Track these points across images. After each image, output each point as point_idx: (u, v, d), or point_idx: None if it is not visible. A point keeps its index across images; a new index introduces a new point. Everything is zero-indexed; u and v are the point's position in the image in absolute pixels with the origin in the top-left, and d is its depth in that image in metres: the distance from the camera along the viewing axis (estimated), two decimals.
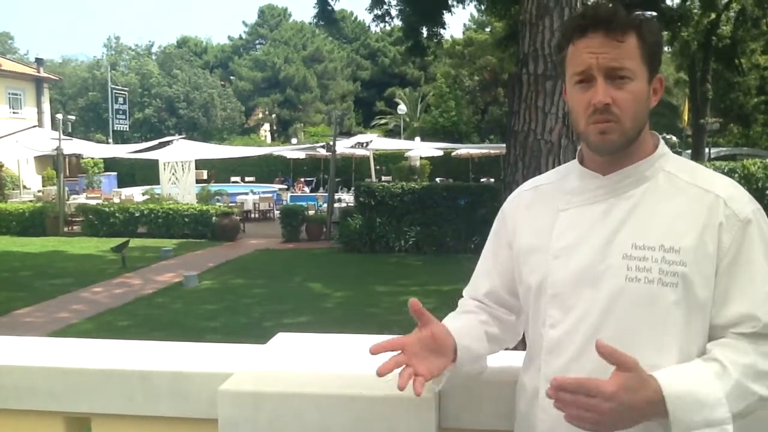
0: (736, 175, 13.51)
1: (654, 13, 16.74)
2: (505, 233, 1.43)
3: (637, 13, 1.24)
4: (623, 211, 1.25)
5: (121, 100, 42.15)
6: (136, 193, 22.65)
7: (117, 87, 43.16)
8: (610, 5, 1.23)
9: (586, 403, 1.09)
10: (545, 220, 1.33)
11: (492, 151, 26.06)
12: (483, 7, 18.24)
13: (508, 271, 1.42)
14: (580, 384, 1.09)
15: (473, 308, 1.45)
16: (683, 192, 1.24)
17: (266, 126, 56.17)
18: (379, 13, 15.84)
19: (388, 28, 19.90)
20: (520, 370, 1.40)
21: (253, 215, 21.40)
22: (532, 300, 1.34)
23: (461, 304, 1.49)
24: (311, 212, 18.41)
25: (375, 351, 1.26)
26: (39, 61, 36.36)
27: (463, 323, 1.38)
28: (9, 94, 32.97)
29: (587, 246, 1.25)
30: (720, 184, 1.24)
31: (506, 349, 1.50)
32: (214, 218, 17.30)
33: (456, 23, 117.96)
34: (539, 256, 1.32)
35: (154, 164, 22.62)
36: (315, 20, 16.15)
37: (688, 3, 18.94)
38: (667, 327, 1.19)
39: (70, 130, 28.19)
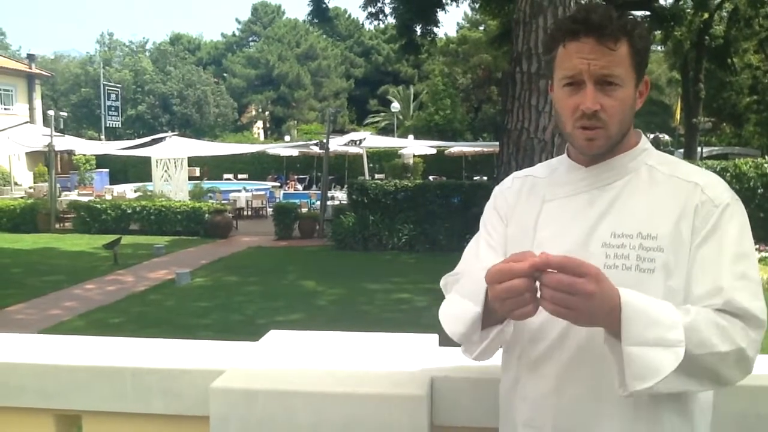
0: (728, 174, 13.52)
1: (645, 13, 16.80)
2: (503, 211, 1.42)
3: (629, 17, 1.23)
4: (605, 202, 1.28)
5: (113, 96, 41.89)
6: (128, 190, 22.57)
7: (110, 83, 42.91)
8: (602, 9, 1.22)
9: (571, 282, 1.04)
10: (532, 211, 1.36)
11: (485, 150, 26.09)
12: (477, 6, 18.27)
13: (504, 247, 1.40)
14: (566, 260, 1.05)
15: None
16: (663, 183, 1.27)
17: (259, 123, 56.10)
18: (373, 10, 15.88)
19: (381, 25, 19.93)
20: (501, 367, 1.39)
21: (245, 212, 21.34)
22: None
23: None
24: (304, 210, 18.37)
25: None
26: (31, 57, 36.17)
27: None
28: (0, 90, 32.79)
29: (569, 236, 1.28)
30: (699, 174, 1.27)
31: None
32: (206, 215, 17.23)
33: (450, 21, 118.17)
34: (524, 246, 1.31)
35: (146, 161, 22.55)
36: (309, 18, 16.15)
37: (681, 2, 18.97)
38: None
39: (61, 126, 28.08)
